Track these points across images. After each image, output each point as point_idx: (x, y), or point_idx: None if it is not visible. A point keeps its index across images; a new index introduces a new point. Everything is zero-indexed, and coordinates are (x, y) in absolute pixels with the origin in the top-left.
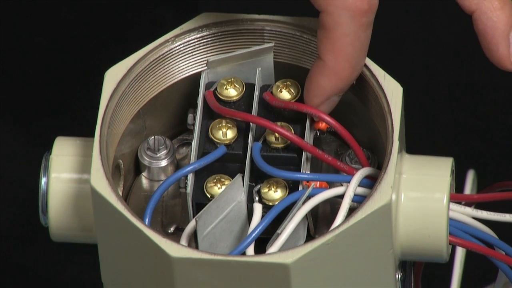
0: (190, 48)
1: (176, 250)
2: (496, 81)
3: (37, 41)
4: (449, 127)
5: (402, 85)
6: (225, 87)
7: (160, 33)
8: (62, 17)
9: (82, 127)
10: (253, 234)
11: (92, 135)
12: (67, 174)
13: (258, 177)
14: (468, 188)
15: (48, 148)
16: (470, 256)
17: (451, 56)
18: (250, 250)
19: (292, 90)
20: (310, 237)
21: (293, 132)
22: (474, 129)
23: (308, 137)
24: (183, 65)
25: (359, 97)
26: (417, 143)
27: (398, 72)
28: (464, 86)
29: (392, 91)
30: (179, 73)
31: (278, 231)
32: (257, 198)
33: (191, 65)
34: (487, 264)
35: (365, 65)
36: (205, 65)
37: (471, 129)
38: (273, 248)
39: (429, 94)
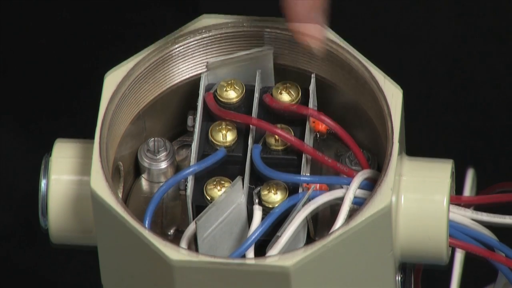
0: (190, 50)
1: (176, 253)
2: (496, 81)
3: (37, 42)
4: (449, 127)
5: (401, 86)
6: (225, 89)
7: (160, 33)
8: (62, 17)
9: (82, 127)
10: (253, 237)
11: (92, 135)
12: (67, 176)
13: (258, 180)
14: (468, 187)
15: (48, 148)
16: (469, 257)
17: (451, 57)
18: (250, 253)
19: (292, 92)
20: (310, 239)
21: (293, 134)
22: (474, 129)
23: (308, 139)
24: (183, 67)
25: (359, 99)
26: (417, 144)
27: (398, 73)
28: (464, 86)
29: (392, 94)
30: (179, 75)
31: (278, 234)
32: (257, 201)
33: (191, 67)
34: (486, 265)
35: (365, 68)
36: (205, 67)
37: (471, 129)
38: (273, 251)
39: (429, 94)
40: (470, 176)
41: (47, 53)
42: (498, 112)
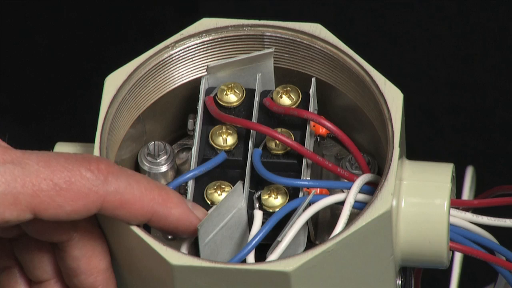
0: (190, 54)
1: (177, 258)
2: (496, 82)
3: (37, 41)
4: (449, 129)
5: (401, 89)
6: (225, 92)
7: (160, 34)
8: (62, 17)
9: (82, 127)
10: (253, 242)
11: (92, 137)
12: None
13: (259, 184)
14: (467, 185)
15: (48, 149)
16: (468, 259)
17: (451, 58)
18: (251, 257)
19: (292, 96)
20: (310, 243)
21: (293, 138)
22: (474, 129)
23: (309, 143)
24: (183, 71)
25: (360, 102)
26: (417, 146)
27: (398, 76)
28: (464, 87)
29: (393, 97)
30: (179, 79)
31: (279, 239)
32: (257, 205)
33: (191, 70)
34: (485, 266)
35: (365, 71)
36: (205, 70)
37: (471, 130)
38: (274, 255)
39: (429, 97)
40: (469, 174)
41: (47, 53)
42: (498, 112)
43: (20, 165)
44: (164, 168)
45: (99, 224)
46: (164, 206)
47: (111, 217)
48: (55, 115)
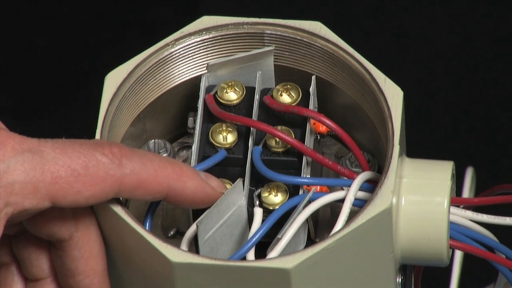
0: (190, 52)
1: (177, 255)
2: (496, 81)
3: (37, 41)
4: (449, 128)
5: (401, 87)
6: (225, 90)
7: (160, 33)
8: (62, 17)
9: (82, 125)
10: (254, 239)
11: (92, 133)
12: None
13: (259, 181)
14: (467, 186)
15: None
16: (469, 257)
17: (451, 57)
18: (251, 254)
19: (293, 94)
20: (310, 241)
21: (293, 136)
22: (474, 129)
23: (309, 141)
24: (183, 69)
25: (360, 100)
26: (418, 144)
27: (398, 74)
28: (464, 86)
29: (393, 95)
30: (179, 77)
31: (279, 236)
32: (257, 202)
33: (191, 68)
34: (485, 265)
35: (366, 69)
36: (205, 68)
37: (471, 129)
38: (274, 253)
39: (429, 95)
40: (469, 175)
41: (47, 53)
42: (498, 112)
43: (38, 153)
44: None
45: (98, 223)
46: (179, 181)
47: (129, 198)
48: (55, 114)
